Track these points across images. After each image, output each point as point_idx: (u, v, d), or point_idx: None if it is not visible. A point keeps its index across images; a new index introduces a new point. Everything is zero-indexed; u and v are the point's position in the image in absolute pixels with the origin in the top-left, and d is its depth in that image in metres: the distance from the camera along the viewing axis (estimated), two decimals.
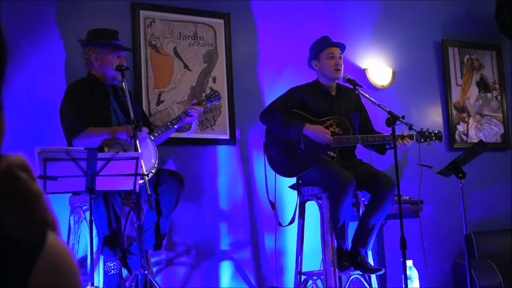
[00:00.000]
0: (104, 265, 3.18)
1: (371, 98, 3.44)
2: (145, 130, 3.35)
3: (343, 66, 3.76)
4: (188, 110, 3.55)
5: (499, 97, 5.36)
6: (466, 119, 5.16)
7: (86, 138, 3.21)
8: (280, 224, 3.83)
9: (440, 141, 3.71)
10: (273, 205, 3.81)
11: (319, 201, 3.58)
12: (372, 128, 3.88)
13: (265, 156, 3.78)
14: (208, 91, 4.15)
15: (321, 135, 3.56)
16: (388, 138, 3.58)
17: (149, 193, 3.00)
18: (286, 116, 3.63)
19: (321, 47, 3.76)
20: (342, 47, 3.80)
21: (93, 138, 3.21)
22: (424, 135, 3.58)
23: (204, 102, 3.68)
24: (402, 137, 3.57)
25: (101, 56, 3.43)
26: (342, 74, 3.68)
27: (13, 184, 0.71)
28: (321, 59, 3.75)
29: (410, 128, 3.25)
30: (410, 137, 3.60)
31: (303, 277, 3.76)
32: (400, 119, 3.21)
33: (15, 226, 0.67)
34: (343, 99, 3.81)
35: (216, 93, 3.75)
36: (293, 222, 3.77)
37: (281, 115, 3.64)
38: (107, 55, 3.43)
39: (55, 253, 0.68)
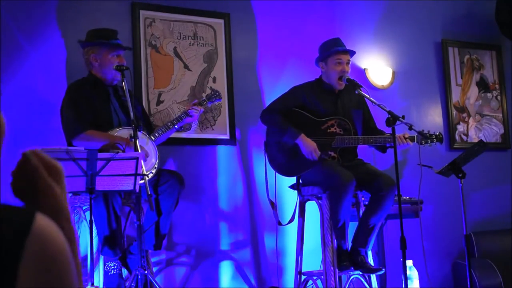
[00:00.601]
0: (104, 265, 3.18)
1: (371, 98, 3.44)
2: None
3: (349, 72, 3.74)
4: (189, 110, 3.55)
5: (499, 97, 5.36)
6: (466, 119, 5.16)
7: (85, 140, 3.21)
8: (279, 223, 3.83)
9: (441, 143, 3.71)
10: (273, 204, 3.81)
11: (319, 201, 3.58)
12: (375, 126, 3.88)
13: (266, 155, 3.78)
14: (208, 91, 4.15)
15: (311, 153, 3.55)
16: (389, 140, 3.58)
17: (149, 193, 3.00)
18: (283, 121, 3.62)
19: (330, 52, 3.74)
20: (351, 53, 3.78)
21: (92, 141, 3.20)
22: (425, 137, 3.58)
23: (205, 102, 3.68)
24: (404, 138, 3.58)
25: (100, 56, 3.43)
26: (344, 81, 3.67)
27: (28, 171, 0.81)
28: (328, 63, 3.74)
29: (410, 128, 3.25)
30: (411, 138, 3.60)
31: (303, 277, 3.76)
32: (400, 119, 3.21)
33: (4, 212, 0.70)
34: (346, 97, 3.81)
35: (216, 93, 3.76)
36: (293, 220, 3.77)
37: (279, 118, 3.64)
38: (106, 54, 3.43)
39: (43, 234, 0.70)
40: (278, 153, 3.70)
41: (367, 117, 3.88)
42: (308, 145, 3.55)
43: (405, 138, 3.58)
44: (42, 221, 0.72)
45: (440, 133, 3.68)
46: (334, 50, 3.73)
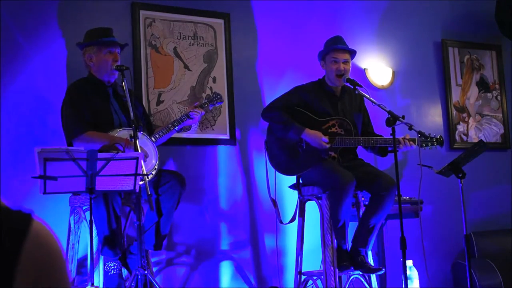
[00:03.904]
0: (104, 265, 3.18)
1: (371, 98, 3.44)
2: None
3: (348, 71, 3.73)
4: (190, 113, 3.55)
5: (499, 97, 5.36)
6: (466, 119, 5.16)
7: (85, 141, 3.21)
8: (281, 222, 3.83)
9: (442, 146, 3.71)
10: (274, 202, 3.81)
11: (319, 201, 3.58)
12: (373, 132, 3.89)
13: (266, 153, 3.78)
14: (208, 91, 4.16)
15: (320, 144, 3.55)
16: (390, 141, 3.58)
17: (149, 193, 3.00)
18: (286, 118, 3.63)
19: (327, 50, 3.75)
20: (350, 52, 3.77)
21: (92, 142, 3.20)
22: (425, 140, 3.58)
23: (206, 105, 3.69)
24: (405, 139, 3.58)
25: (95, 55, 3.43)
26: (343, 81, 3.66)
27: None
28: (327, 61, 3.75)
29: (410, 128, 3.25)
30: (412, 140, 3.60)
31: (303, 277, 3.76)
32: (400, 119, 3.21)
33: (4, 215, 0.74)
34: (347, 100, 3.81)
35: (218, 96, 3.76)
36: (294, 220, 3.77)
37: (282, 115, 3.64)
38: (99, 52, 3.42)
39: (40, 234, 0.74)
40: (279, 151, 3.70)
41: (366, 122, 3.89)
42: (314, 137, 3.55)
43: (407, 139, 3.58)
44: (39, 225, 0.74)
45: (440, 136, 3.67)
46: (330, 48, 3.73)
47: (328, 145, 3.55)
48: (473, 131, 5.16)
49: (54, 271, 0.73)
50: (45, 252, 0.73)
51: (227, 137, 4.23)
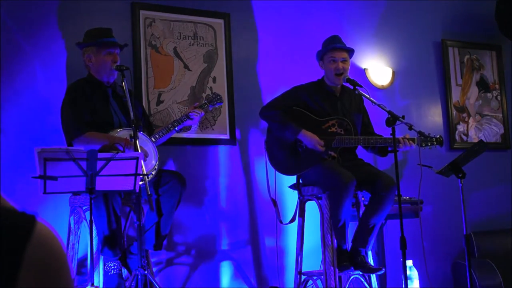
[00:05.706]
0: (104, 265, 3.18)
1: (371, 98, 3.44)
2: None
3: (347, 70, 3.73)
4: (190, 113, 3.56)
5: (499, 97, 5.36)
6: (466, 119, 5.16)
7: (85, 142, 3.21)
8: (281, 222, 3.83)
9: (441, 146, 3.71)
10: (274, 202, 3.81)
11: (319, 201, 3.58)
12: (373, 132, 3.89)
13: (266, 153, 3.78)
14: (208, 91, 4.16)
15: (315, 146, 3.55)
16: (389, 141, 3.58)
17: (149, 193, 3.00)
18: (284, 117, 3.63)
19: (325, 49, 3.75)
20: (348, 50, 3.77)
21: (92, 143, 3.20)
22: (425, 140, 3.58)
23: (206, 105, 3.69)
24: (404, 139, 3.58)
25: (94, 56, 3.43)
26: (343, 80, 3.66)
27: None
28: (325, 61, 3.75)
29: (410, 128, 3.25)
30: (412, 140, 3.60)
31: (303, 277, 3.76)
32: (400, 119, 3.21)
33: (9, 216, 0.76)
34: (346, 100, 3.81)
35: (218, 97, 3.76)
36: (294, 220, 3.77)
37: (280, 114, 3.64)
38: (99, 53, 3.42)
39: (44, 236, 0.77)
40: (279, 151, 3.70)
41: (366, 122, 3.89)
42: (311, 139, 3.56)
43: (407, 139, 3.59)
44: (42, 226, 0.76)
45: (440, 136, 3.67)
46: (328, 47, 3.74)
47: (323, 149, 3.56)
48: (473, 131, 5.16)
49: (57, 272, 0.75)
50: (48, 253, 0.75)
51: (227, 137, 4.23)
